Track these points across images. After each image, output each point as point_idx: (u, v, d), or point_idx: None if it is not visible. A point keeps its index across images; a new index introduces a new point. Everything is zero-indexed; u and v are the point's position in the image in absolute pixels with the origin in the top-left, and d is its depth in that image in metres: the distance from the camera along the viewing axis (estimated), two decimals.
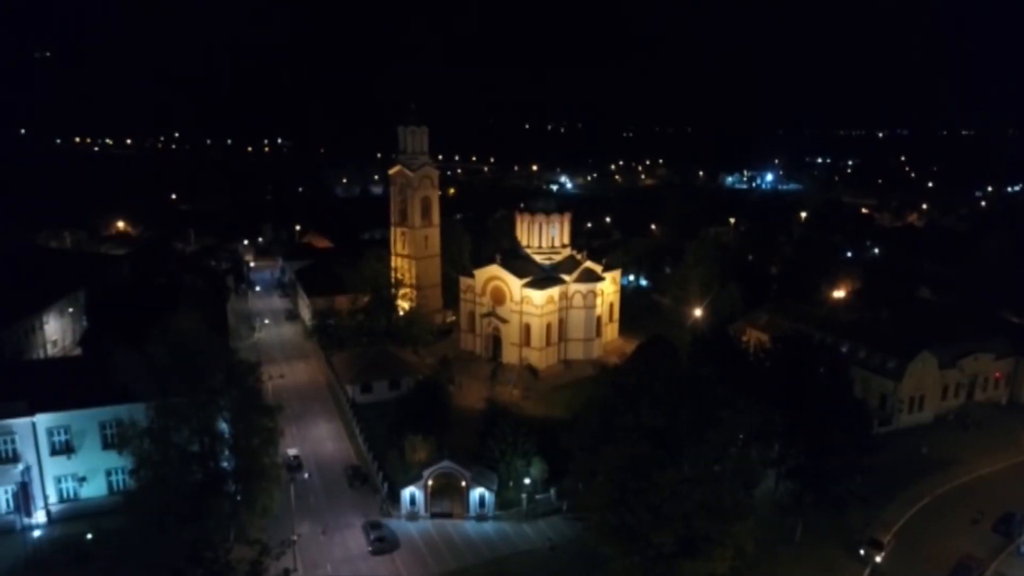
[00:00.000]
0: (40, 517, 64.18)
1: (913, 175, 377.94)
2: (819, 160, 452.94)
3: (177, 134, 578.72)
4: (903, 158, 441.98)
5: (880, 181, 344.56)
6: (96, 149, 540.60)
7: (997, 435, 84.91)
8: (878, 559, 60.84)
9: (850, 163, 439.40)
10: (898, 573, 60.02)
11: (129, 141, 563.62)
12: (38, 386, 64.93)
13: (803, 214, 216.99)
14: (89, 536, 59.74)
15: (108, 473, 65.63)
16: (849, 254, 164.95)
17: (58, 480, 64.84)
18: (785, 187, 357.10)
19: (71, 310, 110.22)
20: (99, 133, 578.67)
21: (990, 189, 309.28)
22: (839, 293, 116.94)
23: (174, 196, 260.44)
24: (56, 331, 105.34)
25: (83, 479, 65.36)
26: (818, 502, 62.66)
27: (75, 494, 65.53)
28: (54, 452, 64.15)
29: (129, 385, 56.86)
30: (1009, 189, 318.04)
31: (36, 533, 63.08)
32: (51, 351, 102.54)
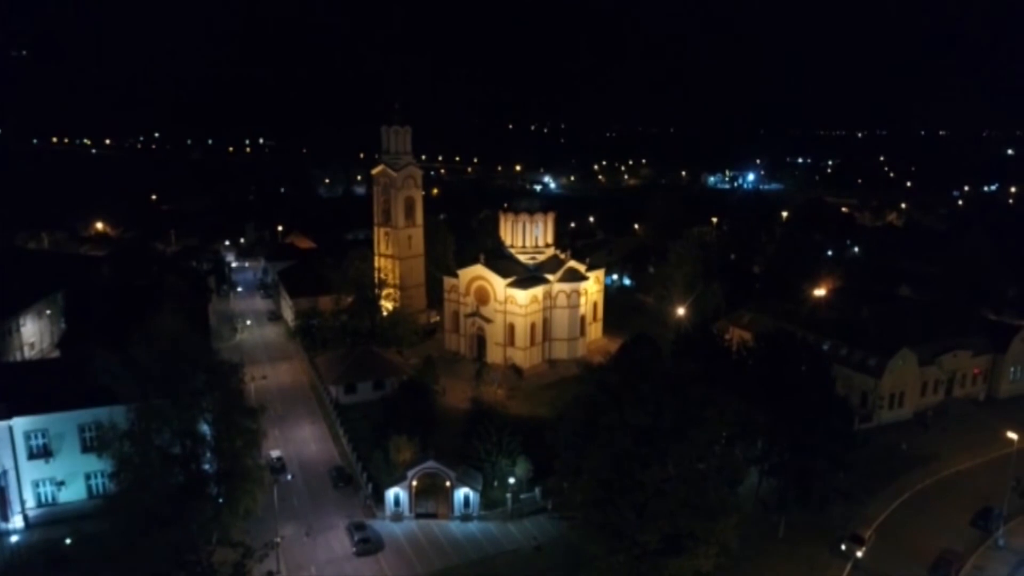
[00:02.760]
0: (17, 522, 63.21)
1: (892, 175, 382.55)
2: (800, 160, 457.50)
3: (157, 134, 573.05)
4: (882, 158, 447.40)
5: (860, 181, 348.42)
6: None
7: (976, 430, 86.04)
8: (859, 554, 61.40)
9: (830, 163, 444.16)
10: (879, 568, 60.59)
11: (108, 141, 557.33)
12: (15, 389, 63.95)
13: (785, 214, 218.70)
14: (68, 541, 59.00)
15: (87, 477, 64.86)
16: (830, 253, 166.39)
17: (36, 484, 63.95)
18: (767, 187, 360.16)
19: (49, 312, 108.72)
20: (77, 133, 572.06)
21: (967, 189, 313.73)
22: (820, 291, 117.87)
23: (154, 196, 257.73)
24: (33, 333, 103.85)
25: (62, 483, 64.53)
26: (801, 499, 63.12)
27: (53, 498, 64.66)
28: (31, 456, 63.29)
29: (109, 387, 56.10)
30: (986, 189, 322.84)
31: (13, 538, 62.13)
32: (28, 354, 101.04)
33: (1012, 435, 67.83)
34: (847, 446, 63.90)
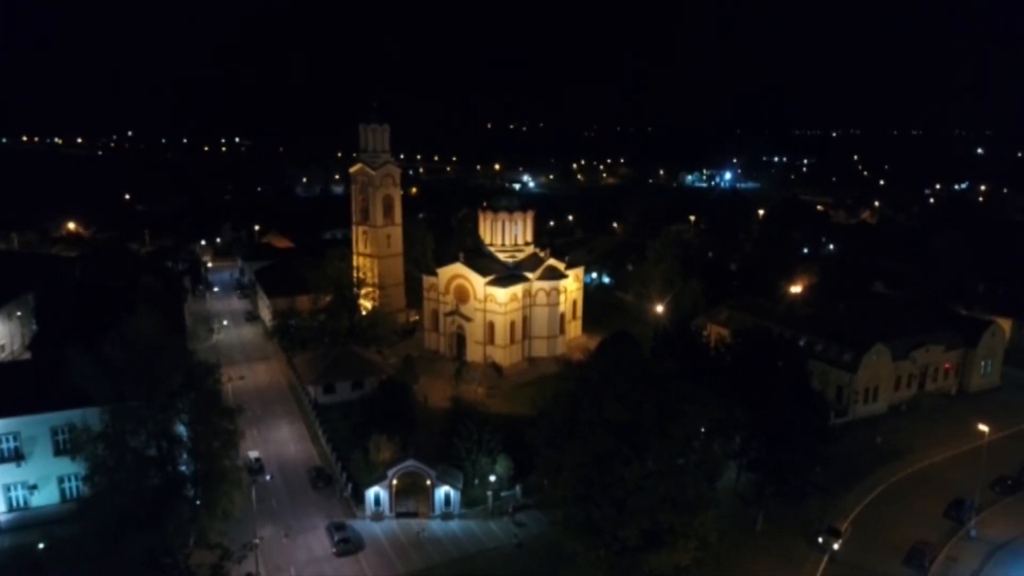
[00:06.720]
0: None
1: (866, 174, 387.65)
2: (776, 159, 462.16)
3: (130, 133, 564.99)
4: (856, 157, 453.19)
5: (834, 179, 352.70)
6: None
7: (947, 424, 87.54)
8: (836, 546, 62.18)
9: (805, 162, 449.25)
10: (855, 559, 61.41)
11: (80, 140, 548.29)
12: None
13: (761, 212, 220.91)
14: (41, 545, 57.84)
15: (61, 480, 63.73)
16: (806, 250, 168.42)
17: (7, 488, 62.76)
18: (743, 186, 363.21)
19: (19, 314, 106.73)
20: (48, 132, 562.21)
21: (939, 187, 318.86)
22: (797, 288, 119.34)
23: (128, 196, 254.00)
24: (3, 335, 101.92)
25: (34, 487, 63.33)
26: (778, 492, 63.87)
27: (26, 502, 63.49)
28: (3, 459, 62.08)
29: (83, 389, 55.17)
30: (957, 187, 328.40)
31: None
32: None
33: (983, 428, 69.10)
34: (823, 440, 64.84)
